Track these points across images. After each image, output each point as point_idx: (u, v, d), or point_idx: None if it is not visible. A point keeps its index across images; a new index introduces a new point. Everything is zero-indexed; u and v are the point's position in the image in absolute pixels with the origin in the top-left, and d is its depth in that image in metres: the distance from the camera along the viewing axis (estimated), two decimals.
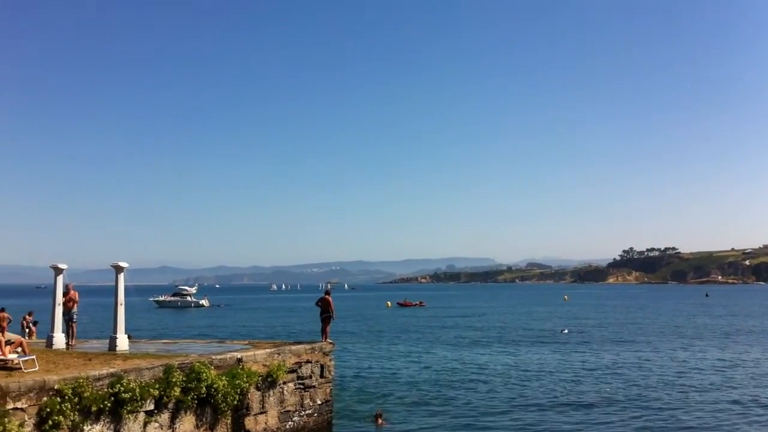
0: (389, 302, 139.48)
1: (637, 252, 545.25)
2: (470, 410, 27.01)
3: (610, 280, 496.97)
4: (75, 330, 24.11)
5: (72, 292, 23.84)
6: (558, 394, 30.58)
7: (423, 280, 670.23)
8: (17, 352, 17.63)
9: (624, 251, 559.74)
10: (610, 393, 30.76)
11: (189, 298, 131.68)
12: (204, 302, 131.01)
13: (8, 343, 18.14)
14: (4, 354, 17.28)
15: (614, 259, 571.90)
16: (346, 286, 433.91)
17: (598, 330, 67.97)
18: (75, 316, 23.99)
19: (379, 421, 23.91)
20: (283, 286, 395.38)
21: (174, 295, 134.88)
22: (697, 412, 26.59)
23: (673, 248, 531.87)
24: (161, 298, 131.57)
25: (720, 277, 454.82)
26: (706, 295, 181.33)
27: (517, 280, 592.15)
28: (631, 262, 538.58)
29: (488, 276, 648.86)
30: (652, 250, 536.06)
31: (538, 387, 32.43)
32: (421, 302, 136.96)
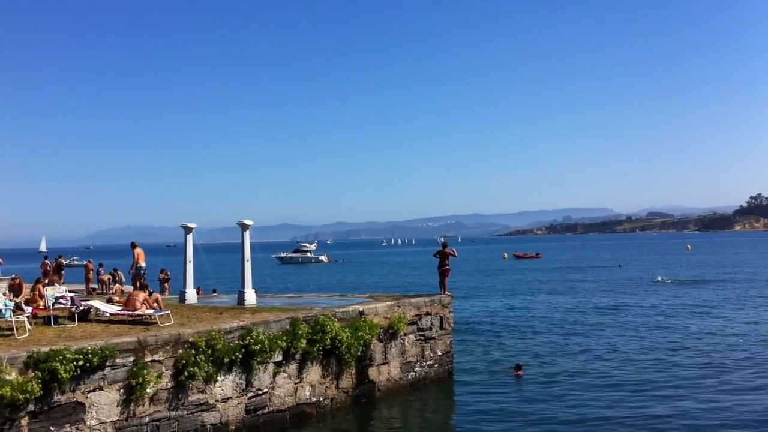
0: (506, 254, 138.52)
1: (766, 198, 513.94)
2: (598, 359, 26.52)
3: (737, 228, 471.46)
4: None
5: None
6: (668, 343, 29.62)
7: (539, 232, 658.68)
8: (153, 308, 18.65)
9: (752, 197, 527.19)
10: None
11: (309, 254, 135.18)
12: (324, 258, 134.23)
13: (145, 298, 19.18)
14: (142, 310, 18.32)
15: (741, 206, 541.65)
16: (459, 239, 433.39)
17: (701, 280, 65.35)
18: None
19: (519, 372, 23.94)
20: (399, 241, 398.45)
21: (295, 251, 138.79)
22: None
23: None
24: (283, 255, 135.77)
25: None
26: None
27: (637, 231, 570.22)
28: (759, 209, 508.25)
29: (606, 227, 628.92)
30: None
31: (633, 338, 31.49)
32: (537, 254, 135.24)
